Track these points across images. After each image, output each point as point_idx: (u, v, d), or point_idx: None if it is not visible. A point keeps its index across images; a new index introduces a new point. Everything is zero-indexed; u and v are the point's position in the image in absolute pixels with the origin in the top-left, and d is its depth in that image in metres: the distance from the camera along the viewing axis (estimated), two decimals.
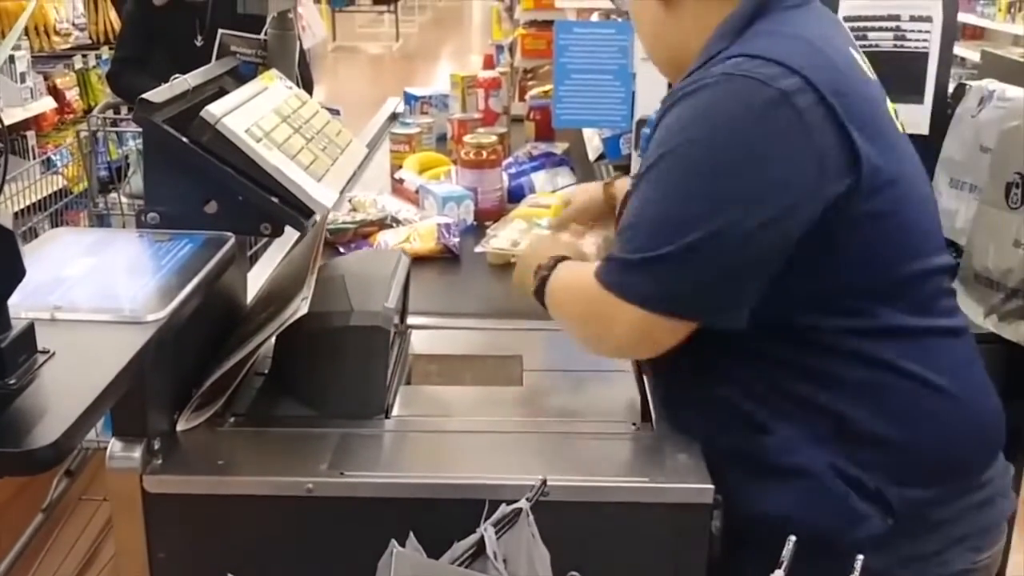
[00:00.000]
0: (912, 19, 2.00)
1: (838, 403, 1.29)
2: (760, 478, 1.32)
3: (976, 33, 7.64)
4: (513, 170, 2.59)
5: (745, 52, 1.25)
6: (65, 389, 1.05)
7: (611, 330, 1.32)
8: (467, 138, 2.51)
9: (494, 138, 2.49)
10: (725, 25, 1.32)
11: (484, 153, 2.42)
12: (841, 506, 1.28)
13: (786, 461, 1.30)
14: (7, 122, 1.02)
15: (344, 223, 2.23)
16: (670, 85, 1.50)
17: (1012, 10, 7.06)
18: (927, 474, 1.31)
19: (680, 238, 1.21)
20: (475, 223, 2.37)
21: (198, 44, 3.58)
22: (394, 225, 2.27)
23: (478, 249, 2.07)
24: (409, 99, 3.26)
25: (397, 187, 2.58)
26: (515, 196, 2.53)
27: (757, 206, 1.21)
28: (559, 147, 2.87)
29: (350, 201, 2.34)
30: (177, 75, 1.55)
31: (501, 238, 2.07)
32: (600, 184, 1.88)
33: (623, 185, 1.80)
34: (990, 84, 1.99)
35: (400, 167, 2.65)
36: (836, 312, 1.29)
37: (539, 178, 2.57)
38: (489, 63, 3.15)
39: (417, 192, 2.46)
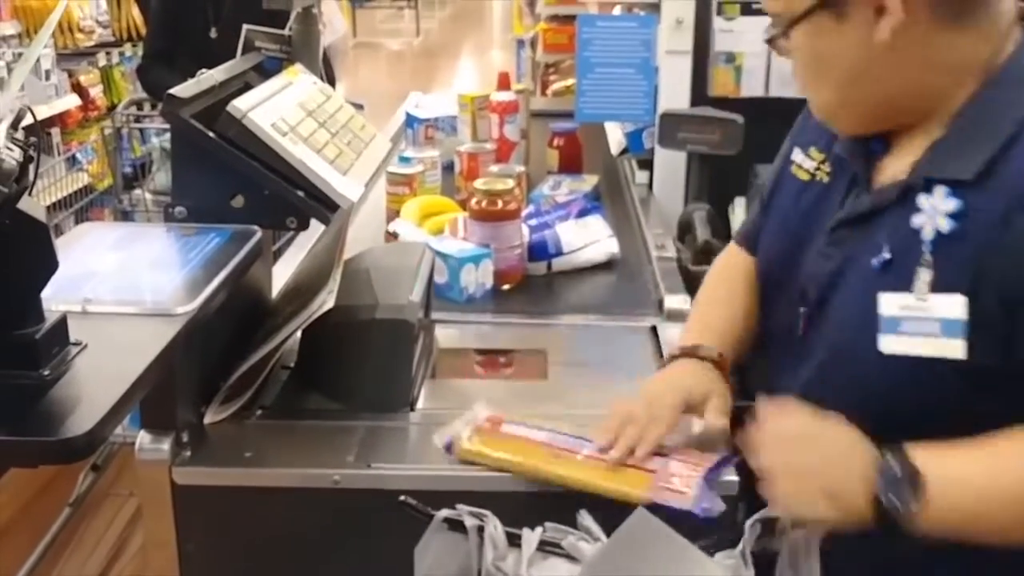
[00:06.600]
0: None
1: None
2: None
3: None
4: (534, 222, 2.05)
5: None
6: (97, 380, 1.06)
7: None
8: (478, 183, 1.99)
9: (510, 183, 1.98)
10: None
11: (499, 202, 1.92)
12: None
13: None
14: None
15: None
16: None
17: None
18: None
19: None
20: (493, 286, 1.89)
21: (212, 36, 3.60)
22: None
23: (439, 443, 1.32)
24: (411, 122, 2.77)
25: (391, 241, 2.06)
26: (538, 254, 1.99)
27: None
28: (588, 180, 2.49)
29: None
30: (203, 70, 1.56)
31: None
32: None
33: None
34: None
35: (398, 213, 2.14)
36: None
37: (566, 231, 2.03)
38: (505, 83, 2.55)
39: None
